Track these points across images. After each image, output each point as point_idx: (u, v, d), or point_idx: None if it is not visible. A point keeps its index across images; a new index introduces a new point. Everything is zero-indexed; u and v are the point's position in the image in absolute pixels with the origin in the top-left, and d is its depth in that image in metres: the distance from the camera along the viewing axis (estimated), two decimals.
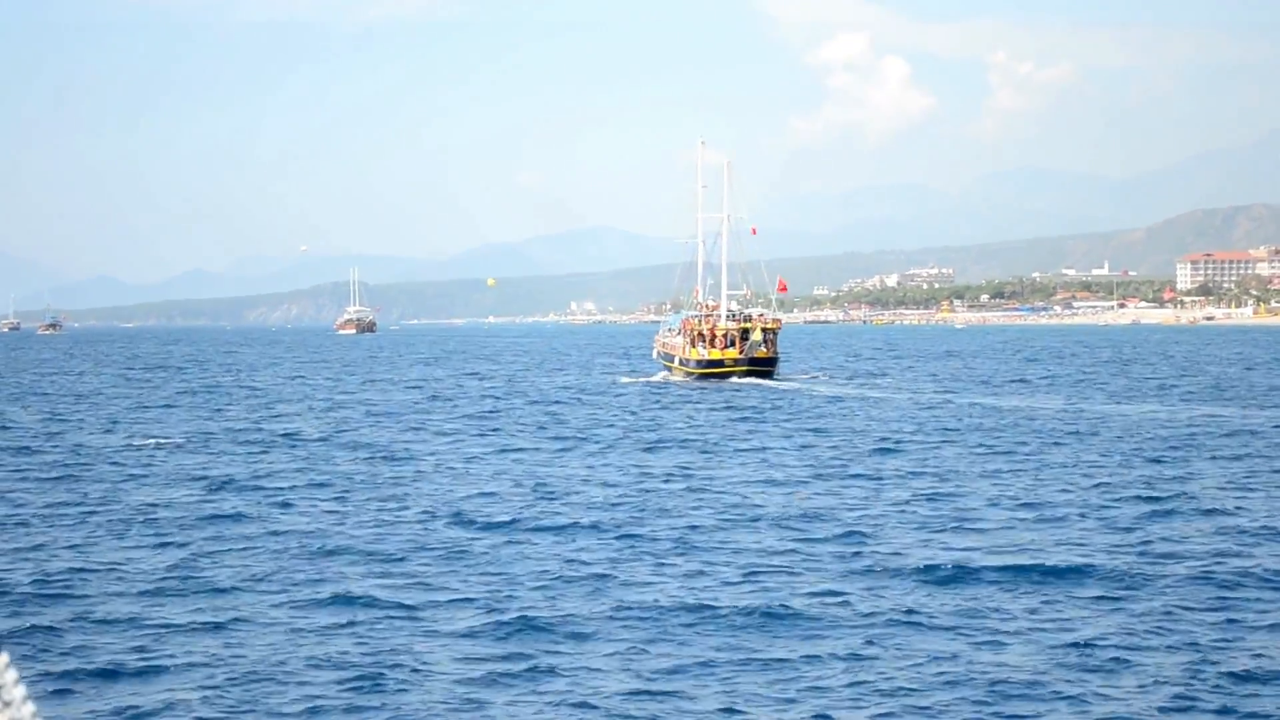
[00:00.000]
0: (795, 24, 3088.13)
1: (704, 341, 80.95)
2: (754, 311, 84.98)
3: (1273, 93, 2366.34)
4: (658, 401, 65.87)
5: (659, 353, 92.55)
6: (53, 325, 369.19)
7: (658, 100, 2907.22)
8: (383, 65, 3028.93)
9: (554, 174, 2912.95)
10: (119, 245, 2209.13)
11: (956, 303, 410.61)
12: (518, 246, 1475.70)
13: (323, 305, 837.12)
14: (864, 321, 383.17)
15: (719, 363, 79.31)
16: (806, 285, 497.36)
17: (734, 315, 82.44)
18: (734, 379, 77.73)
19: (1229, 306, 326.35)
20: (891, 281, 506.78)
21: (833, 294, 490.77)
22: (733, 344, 79.71)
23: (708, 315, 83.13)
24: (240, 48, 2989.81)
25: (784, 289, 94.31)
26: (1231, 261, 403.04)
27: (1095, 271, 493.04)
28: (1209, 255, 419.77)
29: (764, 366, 78.84)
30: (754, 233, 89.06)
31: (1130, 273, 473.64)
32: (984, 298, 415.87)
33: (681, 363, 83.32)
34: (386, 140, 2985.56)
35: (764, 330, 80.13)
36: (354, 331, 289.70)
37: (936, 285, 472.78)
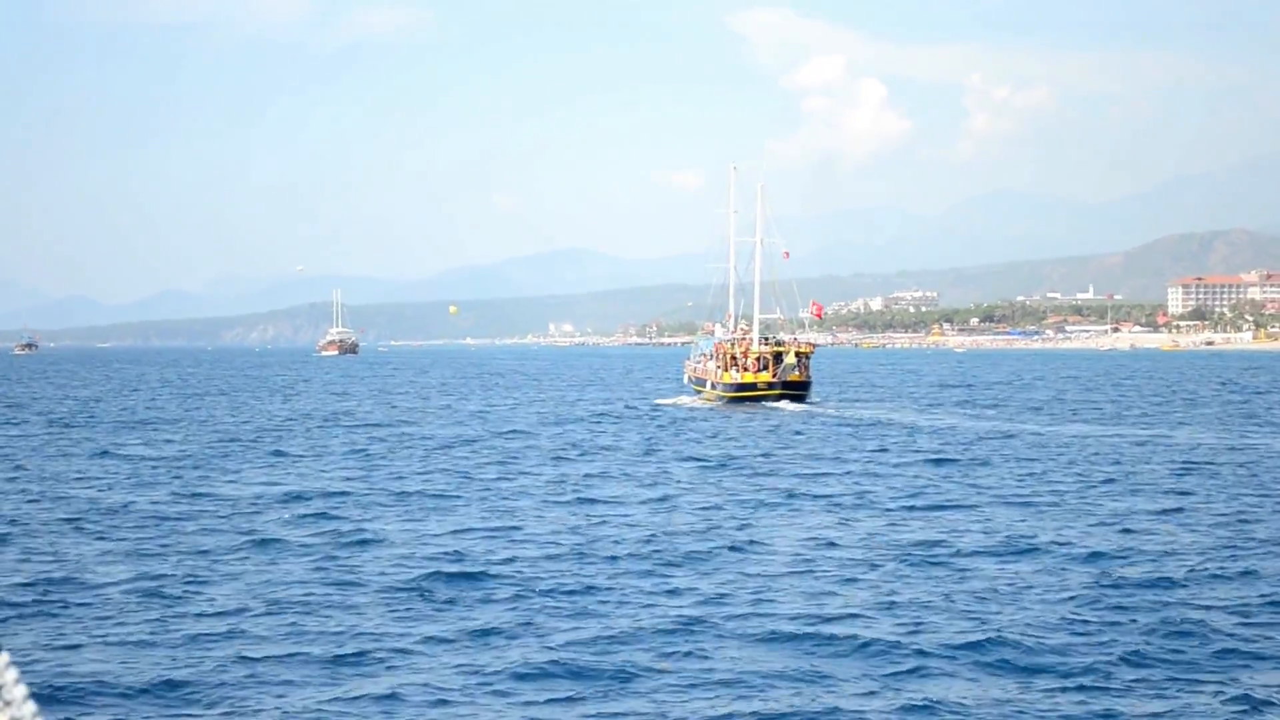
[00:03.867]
0: (771, 47, 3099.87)
1: (736, 365, 79.54)
2: (785, 336, 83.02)
3: (1248, 119, 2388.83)
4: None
5: (690, 377, 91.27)
6: (29, 345, 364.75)
7: (633, 123, 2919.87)
8: (359, 87, 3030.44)
9: (530, 195, 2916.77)
10: (95, 265, 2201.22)
11: (946, 326, 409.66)
12: (494, 268, 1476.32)
13: (300, 326, 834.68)
14: (854, 345, 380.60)
15: (751, 386, 78.26)
16: (787, 308, 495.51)
17: (766, 339, 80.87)
18: (766, 403, 76.22)
19: (1226, 331, 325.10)
20: (876, 304, 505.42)
21: (806, 317, 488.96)
22: (765, 367, 78.51)
23: (740, 339, 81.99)
24: (215, 70, 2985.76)
25: (819, 314, 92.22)
26: (1223, 286, 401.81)
27: (1080, 296, 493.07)
28: (1200, 279, 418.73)
29: (797, 390, 77.60)
30: (786, 256, 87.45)
31: (1115, 296, 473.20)
32: (974, 321, 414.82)
33: (714, 386, 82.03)
34: (362, 162, 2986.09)
35: (797, 354, 78.87)
36: (336, 353, 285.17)
37: (924, 309, 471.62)
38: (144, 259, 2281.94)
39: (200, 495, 34.95)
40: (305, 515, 30.88)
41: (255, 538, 27.23)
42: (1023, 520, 29.94)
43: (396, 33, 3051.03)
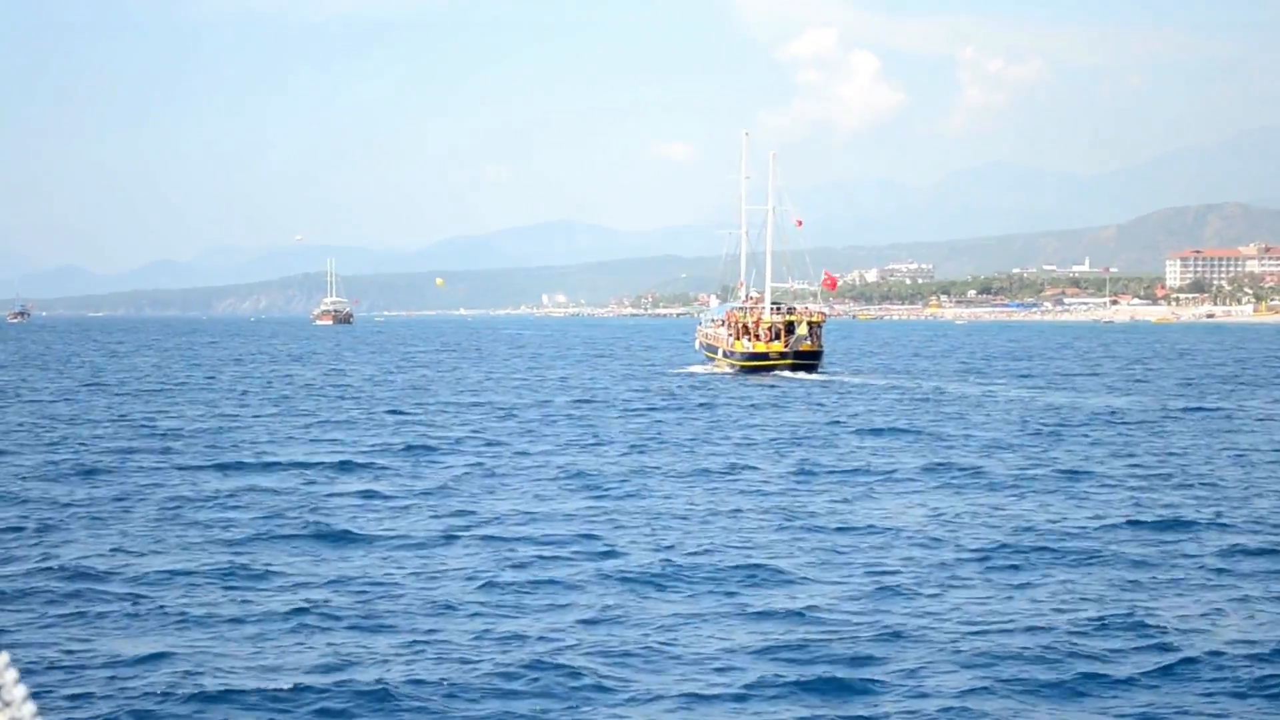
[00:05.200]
0: (764, 20, 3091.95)
1: (748, 334, 79.75)
2: (797, 304, 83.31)
3: (1240, 93, 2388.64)
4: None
5: (701, 344, 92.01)
6: (21, 314, 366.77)
7: (624, 95, 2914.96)
8: (350, 58, 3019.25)
9: (521, 167, 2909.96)
10: (86, 235, 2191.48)
11: (943, 298, 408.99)
12: (485, 239, 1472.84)
13: (292, 297, 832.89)
14: (852, 316, 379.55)
15: (764, 355, 78.61)
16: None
17: (777, 307, 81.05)
18: (778, 372, 76.31)
19: (1226, 304, 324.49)
20: (871, 276, 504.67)
21: (814, 288, 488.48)
22: (778, 337, 78.85)
23: (752, 308, 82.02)
24: (197, 41, 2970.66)
25: (833, 285, 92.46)
26: (1222, 259, 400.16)
27: (1077, 268, 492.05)
28: (1198, 252, 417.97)
29: (809, 360, 77.95)
30: (800, 225, 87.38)
31: (1111, 269, 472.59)
32: (970, 293, 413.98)
33: (725, 355, 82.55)
34: (353, 133, 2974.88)
35: (809, 324, 79.54)
36: (331, 323, 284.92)
37: (920, 280, 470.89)
38: (135, 228, 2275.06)
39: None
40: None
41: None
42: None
43: (384, 6, 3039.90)
